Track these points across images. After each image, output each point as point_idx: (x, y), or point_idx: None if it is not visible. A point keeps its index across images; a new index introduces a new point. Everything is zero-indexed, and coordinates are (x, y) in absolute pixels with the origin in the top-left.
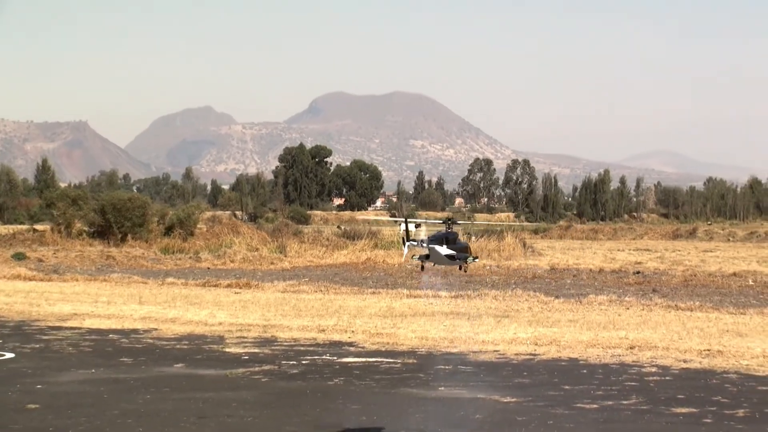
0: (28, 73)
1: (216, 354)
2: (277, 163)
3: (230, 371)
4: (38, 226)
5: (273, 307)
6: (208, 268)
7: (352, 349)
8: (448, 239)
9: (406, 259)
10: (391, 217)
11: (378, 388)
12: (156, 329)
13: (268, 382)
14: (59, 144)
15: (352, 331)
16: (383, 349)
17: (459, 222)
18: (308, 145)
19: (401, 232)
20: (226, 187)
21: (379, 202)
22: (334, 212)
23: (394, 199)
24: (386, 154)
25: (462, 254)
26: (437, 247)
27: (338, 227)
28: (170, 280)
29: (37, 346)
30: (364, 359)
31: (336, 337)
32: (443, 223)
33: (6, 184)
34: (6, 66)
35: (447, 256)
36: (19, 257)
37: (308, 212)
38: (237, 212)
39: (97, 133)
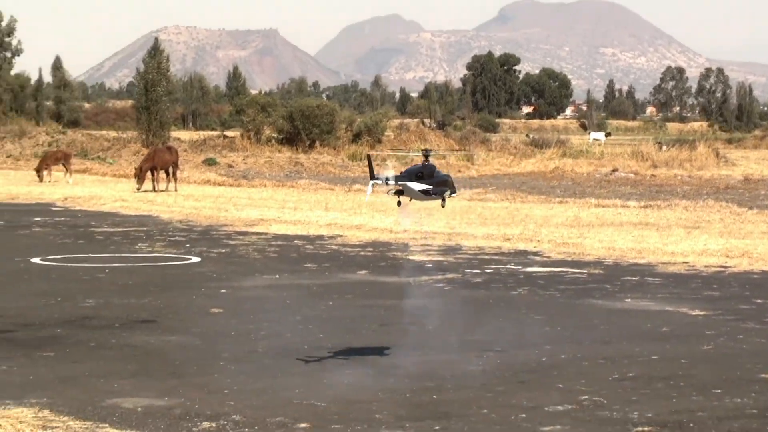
0: None
1: (400, 261)
2: (466, 71)
3: (414, 279)
4: (228, 132)
5: (458, 215)
6: None
7: (537, 258)
8: (422, 174)
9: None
10: (581, 126)
11: (562, 298)
12: (341, 236)
13: (452, 291)
14: (250, 52)
15: (538, 240)
16: (569, 259)
17: (432, 153)
18: (497, 53)
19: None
20: (414, 95)
21: (569, 111)
22: (523, 120)
23: (584, 108)
24: (576, 63)
25: (439, 189)
26: (409, 183)
27: (526, 135)
28: (357, 187)
29: (223, 250)
30: (549, 269)
31: (521, 246)
32: (423, 152)
33: (198, 91)
34: None
35: (421, 191)
36: (210, 162)
37: (496, 120)
38: (425, 120)
39: (288, 41)
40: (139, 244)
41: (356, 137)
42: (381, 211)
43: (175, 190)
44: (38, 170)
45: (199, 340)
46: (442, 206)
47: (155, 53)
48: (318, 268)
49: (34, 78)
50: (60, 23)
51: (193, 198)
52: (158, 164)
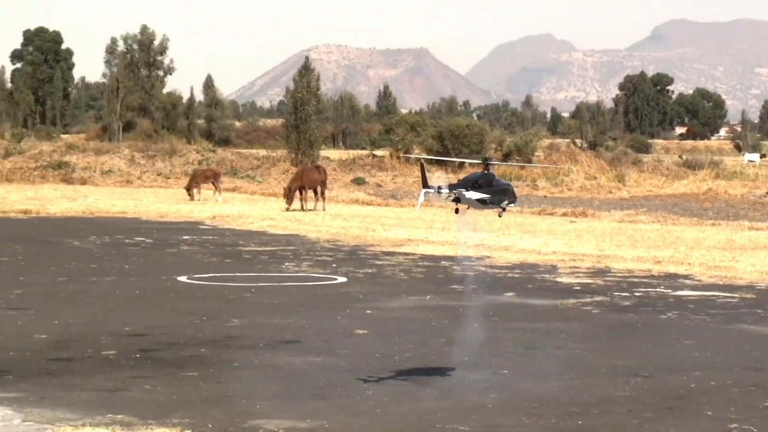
0: (370, 2)
1: (547, 284)
2: (618, 91)
3: (561, 302)
4: (378, 152)
5: (608, 236)
6: (545, 196)
7: (687, 281)
8: (478, 182)
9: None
10: (735, 147)
11: (713, 323)
12: (488, 257)
13: (599, 314)
14: (401, 71)
15: (689, 264)
16: (720, 282)
17: (494, 161)
18: (649, 73)
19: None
20: (565, 115)
21: (723, 132)
22: (676, 141)
23: (739, 129)
24: (730, 83)
25: (497, 198)
26: (466, 192)
27: (679, 156)
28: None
29: (370, 271)
30: (699, 293)
31: (671, 269)
32: (481, 163)
33: (349, 110)
34: None
35: (478, 200)
36: (359, 182)
37: (649, 141)
38: (576, 140)
39: (438, 60)
40: (286, 264)
41: (506, 157)
42: (529, 232)
43: (323, 210)
44: (188, 188)
45: (343, 362)
46: (500, 215)
47: (306, 72)
48: (464, 289)
49: (185, 96)
50: (212, 42)
51: (341, 217)
52: (307, 183)
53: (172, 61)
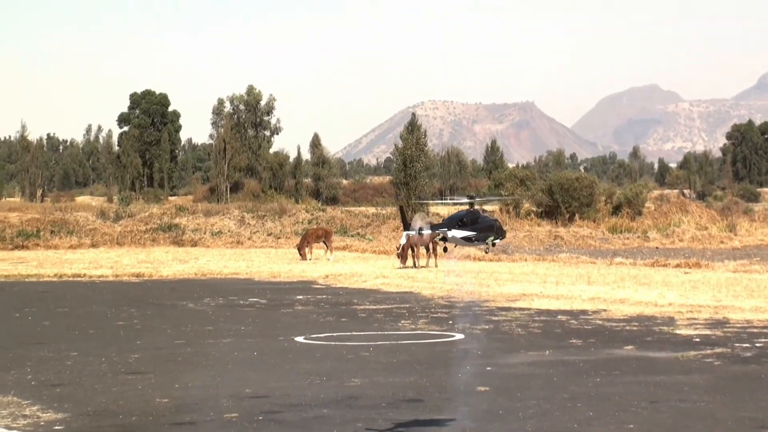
0: (475, 58)
1: (666, 336)
2: (725, 141)
3: (681, 354)
4: (487, 207)
5: (724, 287)
6: (657, 248)
7: None
8: (463, 220)
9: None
10: None
11: None
12: (605, 310)
13: (721, 366)
14: (507, 125)
15: None
16: None
17: (478, 198)
18: (757, 122)
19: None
20: (673, 165)
21: None
22: None
23: None
24: None
25: (483, 235)
26: (450, 231)
27: None
28: (618, 260)
29: (486, 327)
30: None
31: None
32: (468, 197)
33: (456, 165)
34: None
35: (463, 238)
36: None
37: (758, 190)
38: (685, 191)
39: (544, 113)
40: (402, 321)
41: (616, 209)
42: (644, 284)
43: (436, 266)
44: (300, 248)
45: (467, 420)
46: (485, 252)
47: (413, 129)
48: (583, 343)
49: (292, 156)
50: (318, 101)
51: (454, 273)
52: (418, 241)
53: (278, 120)
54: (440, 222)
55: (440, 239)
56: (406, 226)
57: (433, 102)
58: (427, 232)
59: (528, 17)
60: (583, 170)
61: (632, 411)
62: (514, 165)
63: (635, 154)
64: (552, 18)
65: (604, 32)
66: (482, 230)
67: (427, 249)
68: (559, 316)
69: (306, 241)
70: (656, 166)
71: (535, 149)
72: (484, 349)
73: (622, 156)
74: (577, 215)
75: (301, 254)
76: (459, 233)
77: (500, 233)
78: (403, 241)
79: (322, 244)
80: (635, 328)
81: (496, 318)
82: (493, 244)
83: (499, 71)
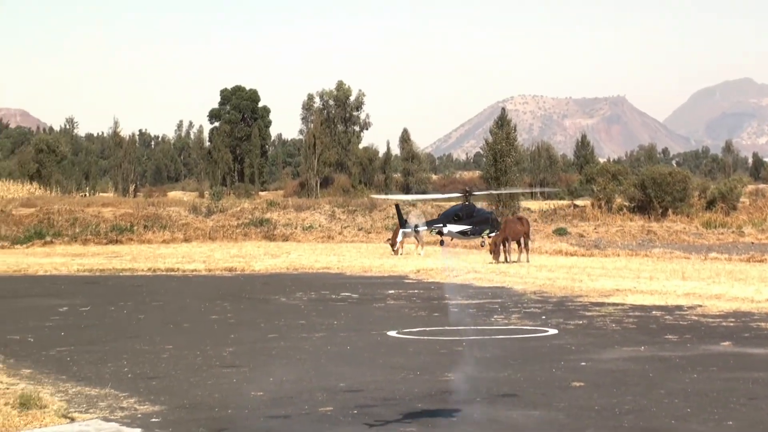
0: (565, 52)
1: (764, 332)
2: None
3: None
4: (578, 201)
5: None
6: (752, 243)
7: None
8: (458, 215)
9: (399, 248)
10: None
11: None
12: (700, 305)
13: None
14: (597, 119)
15: None
16: None
17: (475, 192)
18: None
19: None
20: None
21: None
22: None
23: None
24: None
25: (478, 228)
26: (445, 227)
27: None
28: (713, 255)
29: (580, 322)
30: None
31: None
32: (461, 195)
33: (546, 160)
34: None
35: (458, 232)
36: (561, 232)
37: None
38: None
39: (635, 108)
40: (495, 317)
41: (710, 204)
42: (740, 280)
43: (527, 261)
44: (392, 243)
45: (562, 415)
46: (481, 245)
47: (503, 123)
48: (679, 339)
49: (382, 151)
50: (407, 96)
51: (546, 268)
52: (510, 235)
53: (368, 116)
54: (435, 218)
55: (437, 233)
56: (402, 224)
57: (522, 96)
58: (423, 229)
59: (619, 10)
60: (675, 165)
61: (731, 408)
62: (605, 160)
63: (728, 148)
64: (643, 11)
65: (696, 25)
66: (477, 223)
67: (519, 243)
68: (653, 312)
69: (398, 235)
70: (750, 160)
71: (626, 144)
72: (578, 344)
73: (715, 151)
74: (670, 210)
75: (393, 249)
76: (455, 228)
77: (495, 225)
78: (399, 238)
79: (413, 238)
80: (732, 324)
81: (589, 313)
82: (489, 237)
83: (590, 65)
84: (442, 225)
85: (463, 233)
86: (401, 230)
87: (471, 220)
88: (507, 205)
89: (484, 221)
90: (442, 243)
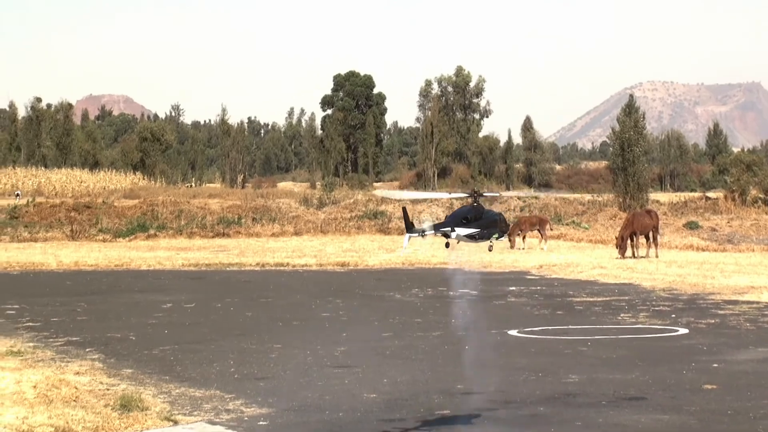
0: (696, 36)
1: None
2: None
3: None
4: (710, 193)
5: None
6: None
7: None
8: (467, 218)
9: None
10: None
11: None
12: None
13: None
14: (731, 107)
15: None
16: None
17: (485, 193)
18: None
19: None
20: None
21: None
22: None
23: None
24: None
25: (486, 232)
26: (453, 231)
27: None
28: None
29: (712, 321)
30: None
31: None
32: (469, 196)
33: (676, 150)
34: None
35: (466, 236)
36: (692, 226)
37: None
38: None
39: None
40: (622, 315)
41: None
42: None
43: (656, 256)
44: (510, 235)
45: (693, 420)
46: (490, 250)
47: (630, 111)
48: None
49: (503, 140)
50: (530, 82)
51: (676, 264)
52: (638, 229)
53: (488, 103)
54: (443, 221)
55: (443, 235)
56: (409, 227)
57: (651, 83)
58: (430, 233)
59: None
60: None
61: None
62: (739, 149)
63: None
64: None
65: None
66: (486, 226)
67: (647, 238)
68: None
69: (518, 228)
70: None
71: (762, 132)
72: (710, 344)
73: None
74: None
75: (510, 242)
76: (463, 231)
77: (504, 227)
78: (405, 242)
79: (536, 232)
80: None
81: (722, 312)
82: (497, 239)
83: (722, 50)
84: (449, 228)
85: (471, 237)
86: (407, 234)
87: (479, 223)
88: (635, 197)
89: (493, 224)
90: (447, 246)
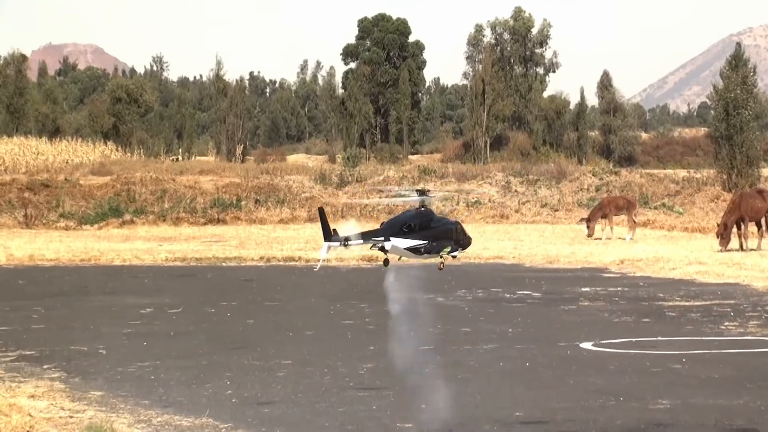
0: None
1: None
2: None
3: None
4: None
5: None
6: None
7: None
8: (410, 225)
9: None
10: None
11: None
12: None
13: None
14: None
15: None
16: None
17: (431, 195)
18: None
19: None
20: None
21: None
22: None
23: None
24: None
25: (437, 245)
26: (388, 242)
27: None
28: None
29: None
30: None
31: None
32: (418, 193)
33: None
34: None
35: (408, 249)
36: None
37: None
38: None
39: None
40: (726, 324)
41: None
42: None
43: None
44: (589, 220)
45: None
46: (440, 269)
47: (738, 64)
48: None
49: (574, 101)
50: (608, 30)
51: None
52: (746, 214)
53: (555, 54)
54: (376, 229)
55: (378, 248)
56: (327, 235)
57: (764, 28)
58: (357, 242)
59: None
60: None
61: None
62: None
63: None
64: None
65: None
66: (436, 238)
67: (759, 226)
68: None
69: (601, 212)
70: None
71: None
72: None
73: None
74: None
75: (588, 229)
76: (402, 242)
77: (462, 241)
78: (323, 254)
79: (622, 217)
80: None
81: None
82: (453, 257)
83: None
84: (383, 239)
85: (414, 250)
86: (326, 243)
87: (427, 233)
88: (743, 173)
89: (445, 234)
90: (386, 263)
